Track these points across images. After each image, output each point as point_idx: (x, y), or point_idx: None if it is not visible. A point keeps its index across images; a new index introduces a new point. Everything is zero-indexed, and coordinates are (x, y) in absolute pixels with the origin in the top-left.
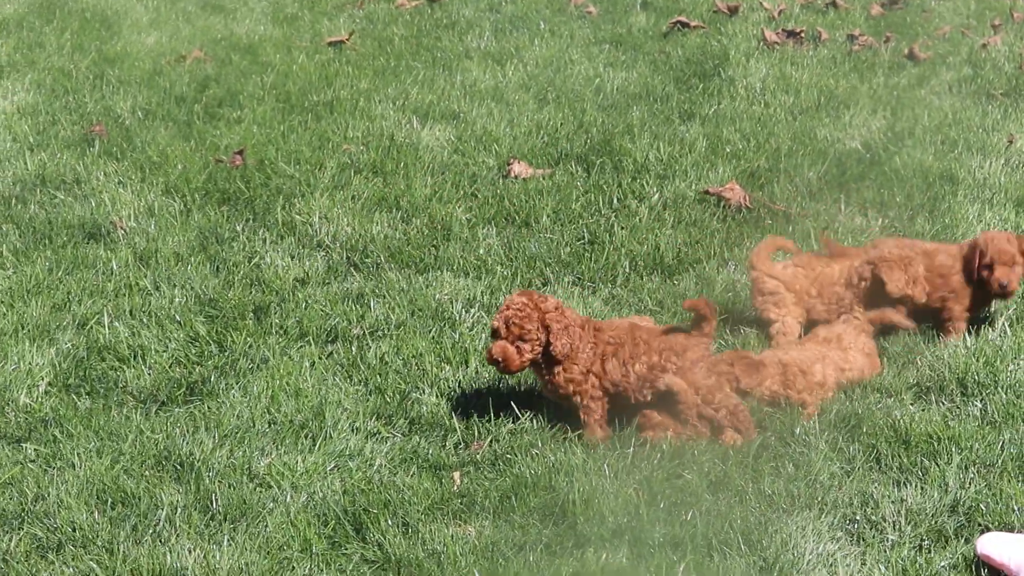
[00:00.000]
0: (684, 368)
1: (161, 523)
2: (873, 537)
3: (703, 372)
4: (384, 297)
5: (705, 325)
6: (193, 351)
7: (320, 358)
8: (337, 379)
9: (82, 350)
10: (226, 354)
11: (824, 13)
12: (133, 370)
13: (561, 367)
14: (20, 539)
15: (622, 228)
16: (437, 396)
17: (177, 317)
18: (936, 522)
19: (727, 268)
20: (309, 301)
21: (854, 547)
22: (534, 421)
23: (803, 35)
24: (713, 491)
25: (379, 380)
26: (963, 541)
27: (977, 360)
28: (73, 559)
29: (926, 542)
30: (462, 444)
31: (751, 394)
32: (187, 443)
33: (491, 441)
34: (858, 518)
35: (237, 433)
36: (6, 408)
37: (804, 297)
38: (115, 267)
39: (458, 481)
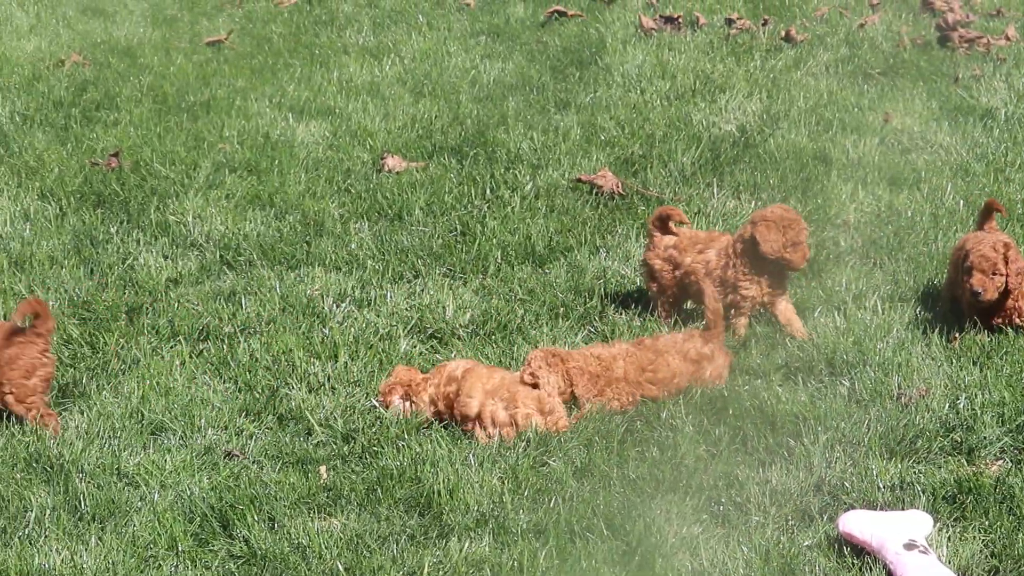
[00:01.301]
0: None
1: (30, 525)
2: (737, 519)
3: (20, 370)
4: (256, 294)
5: (39, 323)
6: (66, 354)
7: (191, 357)
8: (207, 377)
9: None
10: (98, 356)
11: None
12: None
13: None
14: None
15: (494, 219)
16: (306, 391)
17: None
18: (801, 502)
19: (598, 255)
20: (181, 300)
21: (718, 529)
22: (401, 414)
23: (680, 20)
24: (578, 478)
25: (248, 377)
26: (827, 520)
27: (846, 339)
28: None
29: (791, 522)
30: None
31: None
32: (57, 445)
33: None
34: (723, 500)
35: (107, 433)
36: None
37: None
38: None
39: (324, 475)
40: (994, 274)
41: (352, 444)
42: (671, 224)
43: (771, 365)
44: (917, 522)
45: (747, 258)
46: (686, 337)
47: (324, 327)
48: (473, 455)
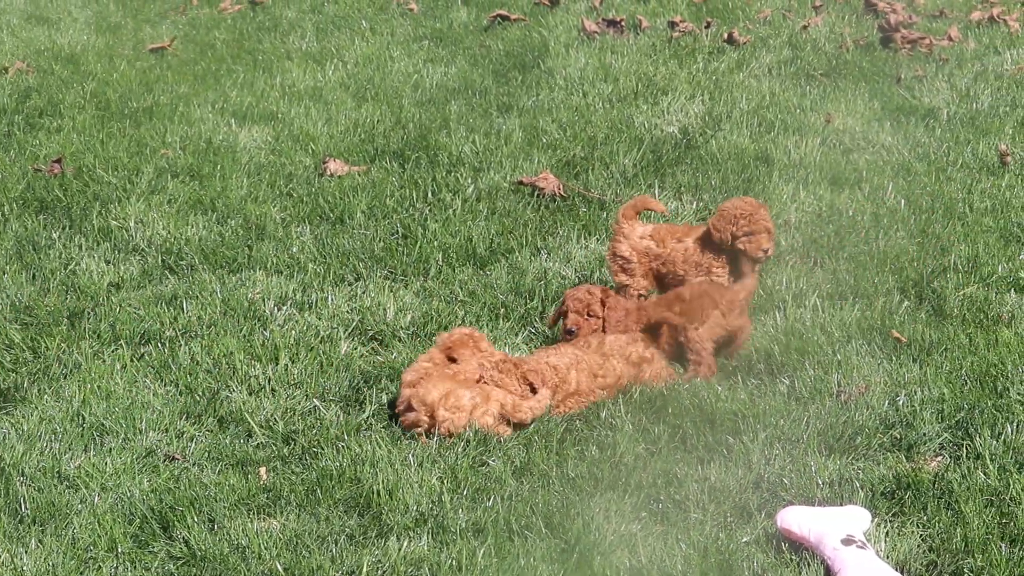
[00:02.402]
0: None
1: None
2: (676, 516)
3: None
4: (197, 298)
5: None
6: (7, 358)
7: (132, 360)
8: (148, 380)
9: None
10: (40, 360)
11: (645, 1)
12: None
13: None
14: None
15: (436, 221)
16: (246, 394)
17: None
18: (740, 499)
19: (539, 257)
20: (123, 305)
21: (657, 526)
22: (341, 415)
23: (623, 24)
24: (518, 477)
25: (189, 380)
26: (765, 516)
27: (786, 337)
28: None
29: (729, 519)
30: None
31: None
32: None
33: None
34: (662, 498)
35: (48, 436)
36: None
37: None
38: None
39: (264, 476)
40: (589, 316)
41: (292, 446)
42: (638, 216)
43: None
44: (855, 517)
45: (709, 247)
46: (629, 341)
47: (265, 330)
48: (413, 455)
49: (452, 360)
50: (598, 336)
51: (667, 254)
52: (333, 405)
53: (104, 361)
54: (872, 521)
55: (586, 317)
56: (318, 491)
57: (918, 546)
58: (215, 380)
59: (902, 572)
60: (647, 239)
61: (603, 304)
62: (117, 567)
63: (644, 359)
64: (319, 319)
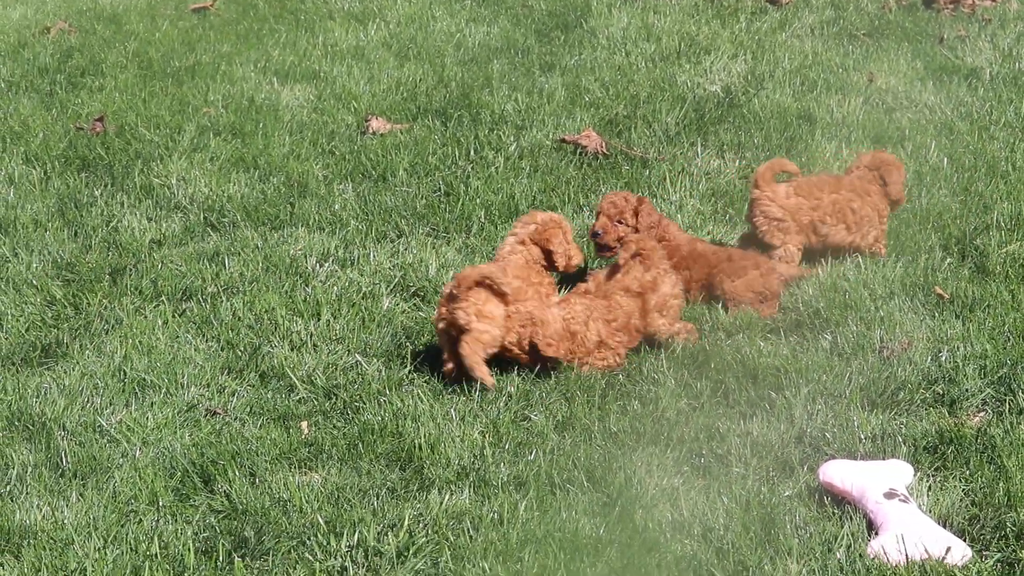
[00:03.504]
0: None
1: (12, 482)
2: (718, 470)
3: None
4: (239, 255)
5: None
6: (49, 314)
7: (174, 316)
8: (189, 336)
9: None
10: (82, 316)
11: None
12: None
13: None
14: None
15: (478, 179)
16: (288, 349)
17: (34, 282)
18: (782, 453)
19: (582, 214)
20: (165, 261)
21: (699, 480)
22: (383, 370)
23: None
24: (559, 431)
25: (231, 335)
26: (808, 470)
27: (829, 294)
28: None
29: (771, 473)
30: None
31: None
32: (39, 403)
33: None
34: (704, 452)
35: (89, 392)
36: None
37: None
38: None
39: (306, 430)
40: (619, 222)
41: (334, 400)
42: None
43: (753, 320)
44: (898, 471)
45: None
46: (624, 270)
47: (307, 286)
48: (454, 410)
49: (546, 252)
50: (595, 278)
51: (827, 205)
52: (375, 360)
53: (146, 317)
54: (914, 475)
55: (615, 223)
56: (360, 445)
57: (960, 500)
58: (257, 336)
59: (944, 526)
60: (793, 197)
61: (636, 213)
62: (158, 520)
63: (647, 286)
64: (361, 275)
